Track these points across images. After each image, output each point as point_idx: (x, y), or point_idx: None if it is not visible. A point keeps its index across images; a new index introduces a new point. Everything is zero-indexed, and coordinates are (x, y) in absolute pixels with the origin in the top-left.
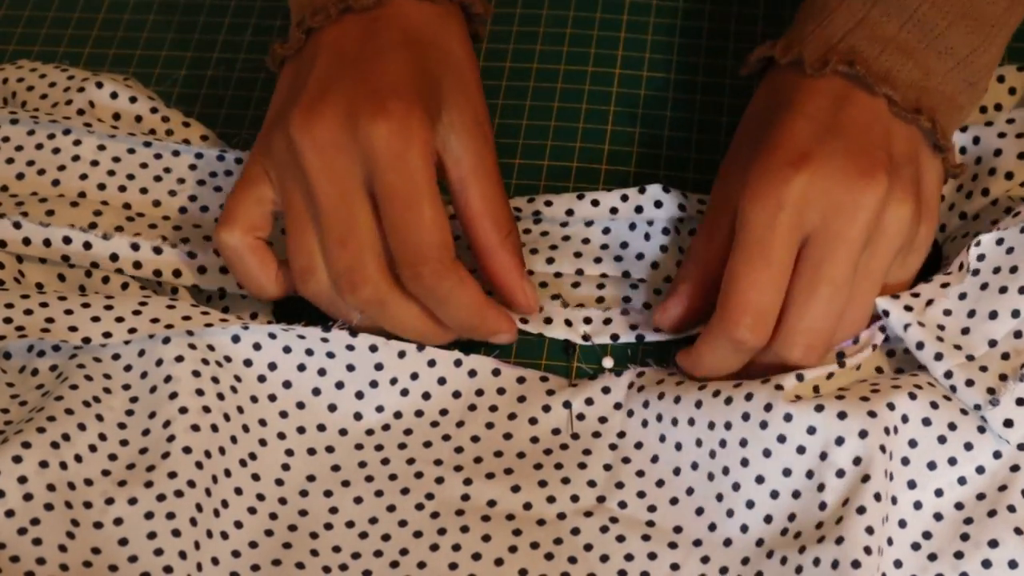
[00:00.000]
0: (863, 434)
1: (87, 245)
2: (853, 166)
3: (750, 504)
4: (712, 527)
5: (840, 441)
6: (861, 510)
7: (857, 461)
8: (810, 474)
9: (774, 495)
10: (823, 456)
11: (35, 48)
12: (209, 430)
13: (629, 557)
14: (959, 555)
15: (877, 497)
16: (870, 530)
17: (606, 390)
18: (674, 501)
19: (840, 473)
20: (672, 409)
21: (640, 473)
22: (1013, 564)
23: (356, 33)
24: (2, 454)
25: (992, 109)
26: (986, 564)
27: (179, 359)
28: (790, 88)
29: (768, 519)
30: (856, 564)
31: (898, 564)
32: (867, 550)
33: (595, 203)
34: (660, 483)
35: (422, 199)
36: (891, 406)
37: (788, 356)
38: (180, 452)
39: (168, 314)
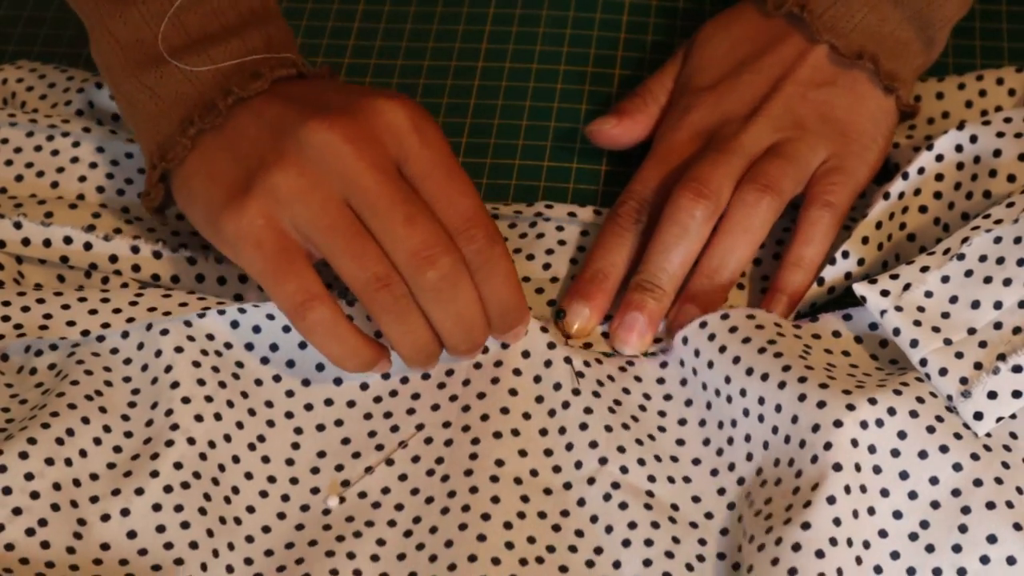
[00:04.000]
0: (838, 424)
1: (87, 246)
2: (753, 91)
3: (748, 495)
4: (709, 516)
5: (816, 428)
6: (831, 500)
7: (828, 446)
8: (791, 462)
9: (763, 484)
10: (802, 444)
11: (35, 48)
12: (212, 419)
13: (632, 525)
14: (957, 548)
15: (847, 490)
16: (837, 521)
17: (606, 355)
18: (671, 480)
19: (814, 459)
20: (678, 392)
21: (639, 442)
22: (1011, 560)
23: (284, 91)
24: (8, 450)
25: (993, 112)
26: (984, 560)
27: (178, 350)
28: (746, 19)
29: (758, 513)
30: (820, 554)
31: (895, 555)
32: (833, 541)
33: (598, 212)
34: (658, 458)
35: (459, 168)
36: (872, 401)
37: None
38: (185, 443)
39: (165, 302)
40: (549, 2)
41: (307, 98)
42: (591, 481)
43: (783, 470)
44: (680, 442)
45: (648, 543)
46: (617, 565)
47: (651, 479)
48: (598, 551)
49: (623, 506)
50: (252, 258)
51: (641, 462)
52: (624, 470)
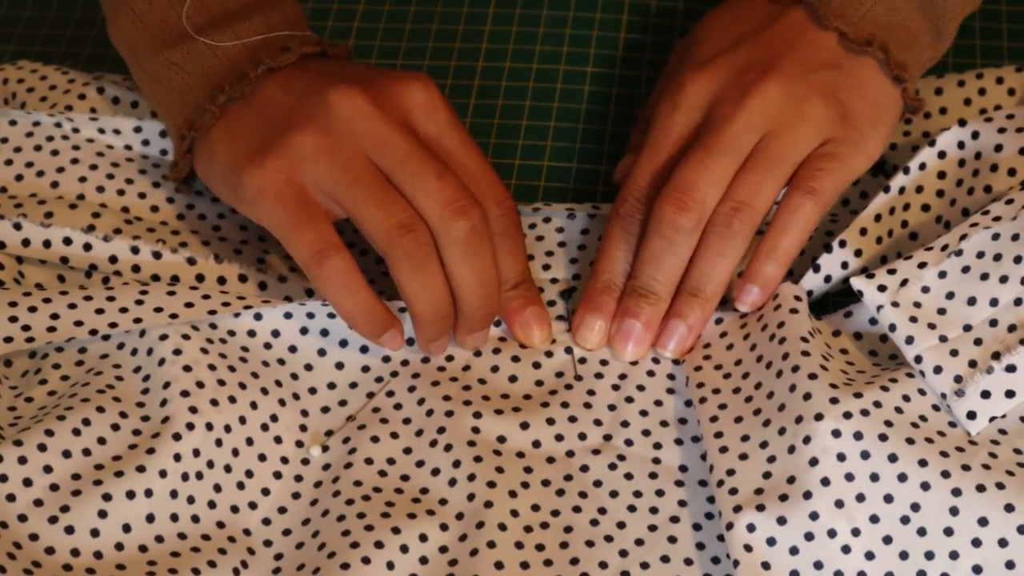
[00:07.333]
0: (819, 417)
1: (87, 246)
2: (748, 67)
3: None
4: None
5: (799, 420)
6: (807, 495)
7: (807, 440)
8: (764, 444)
9: (723, 451)
10: (781, 431)
11: (35, 48)
12: (228, 401)
13: (638, 494)
14: (948, 531)
15: (825, 482)
16: (814, 516)
17: None
18: (679, 442)
19: (791, 449)
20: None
21: (644, 413)
22: (1003, 543)
23: (311, 66)
24: (28, 441)
25: (992, 111)
26: (976, 543)
27: (186, 337)
28: (751, 3)
29: (720, 484)
30: (794, 551)
31: (888, 540)
32: (808, 536)
33: (591, 216)
34: (664, 423)
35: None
36: (858, 395)
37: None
38: (204, 428)
39: (170, 301)
40: (549, 2)
41: (335, 72)
42: (596, 452)
43: (751, 447)
44: (688, 403)
45: (653, 510)
46: (622, 526)
47: (657, 446)
48: (602, 511)
49: (628, 476)
50: (272, 211)
51: (646, 432)
52: (629, 443)
